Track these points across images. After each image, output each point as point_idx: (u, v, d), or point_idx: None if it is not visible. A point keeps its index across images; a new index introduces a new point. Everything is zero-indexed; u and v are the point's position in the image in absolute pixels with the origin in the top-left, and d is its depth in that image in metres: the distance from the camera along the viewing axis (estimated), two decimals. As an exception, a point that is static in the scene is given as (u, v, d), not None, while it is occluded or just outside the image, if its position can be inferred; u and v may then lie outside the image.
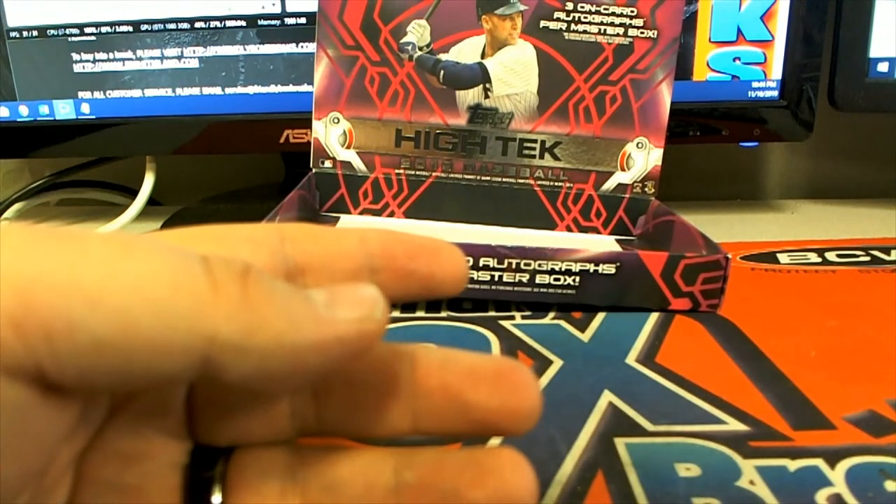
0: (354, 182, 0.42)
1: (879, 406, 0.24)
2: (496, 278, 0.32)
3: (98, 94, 0.48)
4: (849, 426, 0.22)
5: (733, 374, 0.26)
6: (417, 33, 0.41)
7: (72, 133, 0.49)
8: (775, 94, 0.47)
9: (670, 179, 0.45)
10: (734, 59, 0.46)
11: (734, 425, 0.23)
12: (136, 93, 0.48)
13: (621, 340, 0.29)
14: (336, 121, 0.41)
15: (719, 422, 0.23)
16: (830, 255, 0.40)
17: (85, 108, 0.49)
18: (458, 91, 0.41)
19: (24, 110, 0.49)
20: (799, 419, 0.23)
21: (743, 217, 0.51)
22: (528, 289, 0.32)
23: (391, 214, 0.43)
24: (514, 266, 0.32)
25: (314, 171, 0.42)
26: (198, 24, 0.46)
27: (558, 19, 0.40)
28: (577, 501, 0.19)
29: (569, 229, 0.43)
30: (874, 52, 0.47)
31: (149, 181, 0.52)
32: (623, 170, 0.41)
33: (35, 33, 0.47)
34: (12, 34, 0.47)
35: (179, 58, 0.47)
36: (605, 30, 0.40)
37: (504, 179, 0.42)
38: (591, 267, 0.32)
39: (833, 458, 0.21)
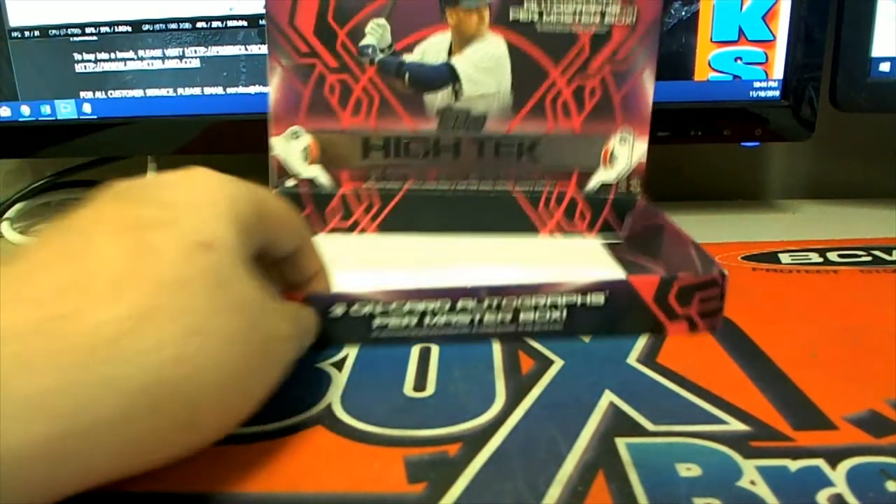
0: (322, 199, 0.40)
1: (880, 406, 0.24)
2: (476, 320, 0.28)
3: (100, 94, 0.48)
4: (850, 426, 0.22)
5: (734, 374, 0.26)
6: (377, 34, 0.38)
7: (73, 133, 0.49)
8: (777, 93, 0.46)
9: (671, 179, 0.45)
10: (736, 59, 0.46)
11: (735, 425, 0.23)
12: (138, 93, 0.48)
13: (622, 340, 0.29)
14: (296, 135, 0.39)
15: (720, 422, 0.23)
16: (832, 256, 0.40)
17: (86, 107, 0.49)
18: (426, 94, 0.39)
19: (25, 110, 0.49)
20: (800, 419, 0.23)
21: (744, 217, 0.51)
22: (512, 328, 0.29)
23: (363, 231, 0.40)
24: (494, 305, 0.28)
25: (276, 191, 0.38)
26: (199, 24, 0.46)
27: (529, 9, 0.37)
28: (577, 501, 0.19)
29: (552, 234, 0.41)
30: (876, 52, 0.47)
31: (150, 181, 0.52)
32: (607, 167, 0.39)
33: (37, 33, 0.47)
34: (14, 34, 0.48)
35: (181, 58, 0.47)
36: (580, 18, 0.37)
37: (481, 186, 0.40)
38: (578, 300, 0.29)
39: (834, 458, 0.21)
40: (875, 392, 0.24)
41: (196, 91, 0.47)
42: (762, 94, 0.46)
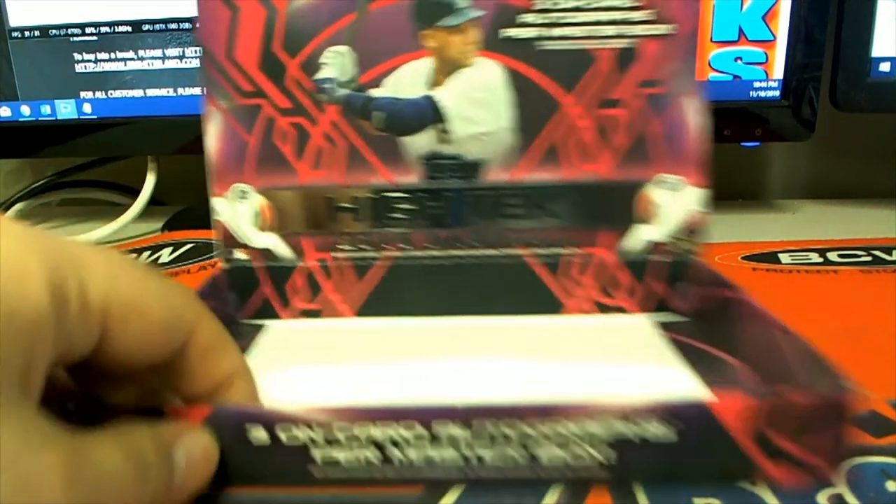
0: (280, 275, 0.31)
1: (880, 406, 0.24)
2: (470, 458, 0.19)
3: (100, 94, 0.48)
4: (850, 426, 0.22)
5: (734, 375, 0.26)
6: (337, 64, 0.30)
7: (73, 133, 0.49)
8: (777, 93, 0.46)
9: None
10: (736, 59, 0.46)
11: (735, 426, 0.22)
12: (138, 93, 0.48)
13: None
14: (243, 195, 0.31)
15: (720, 422, 0.23)
16: (832, 256, 0.40)
17: (87, 107, 0.49)
18: (404, 137, 0.31)
19: (25, 110, 0.49)
20: (800, 419, 0.23)
21: (744, 217, 0.51)
22: (528, 472, 0.19)
23: (334, 314, 0.32)
24: (498, 436, 0.19)
25: (222, 266, 0.32)
26: (199, 24, 0.46)
27: (527, 24, 0.30)
28: (577, 501, 0.19)
29: (581, 310, 0.31)
30: (876, 52, 0.47)
31: (150, 181, 0.52)
32: (648, 221, 0.30)
33: (37, 33, 0.47)
34: (14, 34, 0.48)
35: (181, 57, 0.47)
36: (596, 31, 0.30)
37: (483, 251, 0.31)
38: (631, 432, 0.19)
39: (834, 458, 0.21)
40: (875, 392, 0.24)
41: (196, 91, 0.47)
42: (762, 94, 0.46)
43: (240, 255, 0.31)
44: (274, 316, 0.32)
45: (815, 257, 0.40)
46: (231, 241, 0.31)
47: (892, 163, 0.59)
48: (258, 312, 0.32)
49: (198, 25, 0.31)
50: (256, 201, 0.31)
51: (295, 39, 0.30)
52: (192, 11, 0.46)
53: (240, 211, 0.31)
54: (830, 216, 0.51)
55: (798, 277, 0.37)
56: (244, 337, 0.30)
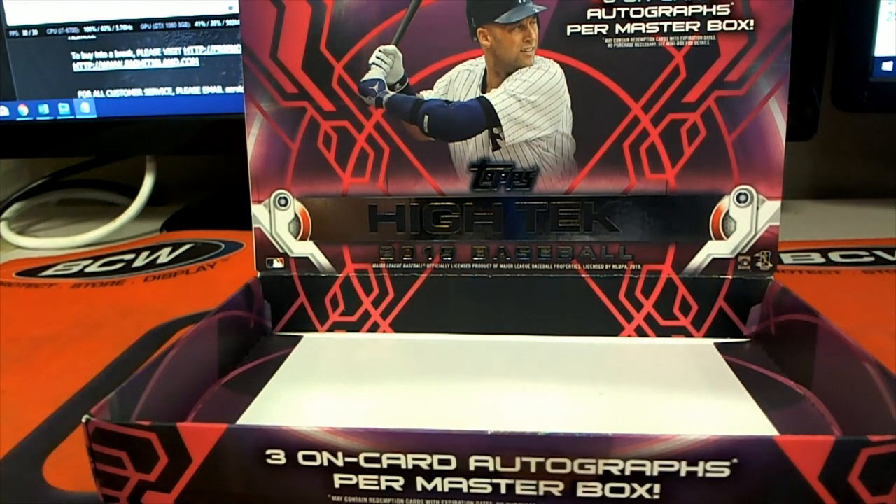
0: (317, 286, 0.30)
1: (885, 408, 0.23)
2: (502, 489, 0.18)
3: (98, 94, 0.48)
4: (854, 429, 0.22)
5: (737, 376, 0.26)
6: (385, 65, 0.29)
7: (71, 133, 0.49)
8: (778, 93, 0.46)
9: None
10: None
11: (739, 428, 0.22)
12: (137, 92, 0.48)
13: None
14: (283, 202, 0.30)
15: (724, 425, 0.22)
16: (834, 256, 0.39)
17: (85, 107, 0.48)
18: (453, 143, 0.29)
19: (23, 109, 0.49)
20: (804, 422, 0.23)
21: (746, 217, 0.51)
22: None
23: (374, 328, 0.31)
24: (533, 469, 0.17)
25: (259, 274, 0.31)
26: (198, 23, 0.46)
27: (595, 19, 0.28)
28: None
29: (640, 333, 0.29)
30: (878, 51, 0.46)
31: (149, 181, 0.51)
32: (719, 237, 0.29)
33: (35, 32, 0.47)
34: (12, 33, 0.47)
35: (180, 57, 0.47)
36: (669, 27, 0.27)
37: (534, 266, 0.29)
38: (683, 469, 0.17)
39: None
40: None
41: (195, 90, 0.47)
42: (764, 93, 0.46)
43: (276, 264, 0.31)
44: (310, 328, 0.31)
45: (818, 258, 0.39)
46: (268, 250, 0.30)
47: (894, 163, 0.59)
48: (293, 324, 0.31)
49: (240, 24, 0.29)
50: (295, 208, 0.30)
51: (342, 39, 0.29)
52: (191, 10, 0.46)
53: (279, 218, 0.30)
54: (832, 216, 0.50)
55: (800, 278, 0.36)
56: (278, 349, 0.29)
